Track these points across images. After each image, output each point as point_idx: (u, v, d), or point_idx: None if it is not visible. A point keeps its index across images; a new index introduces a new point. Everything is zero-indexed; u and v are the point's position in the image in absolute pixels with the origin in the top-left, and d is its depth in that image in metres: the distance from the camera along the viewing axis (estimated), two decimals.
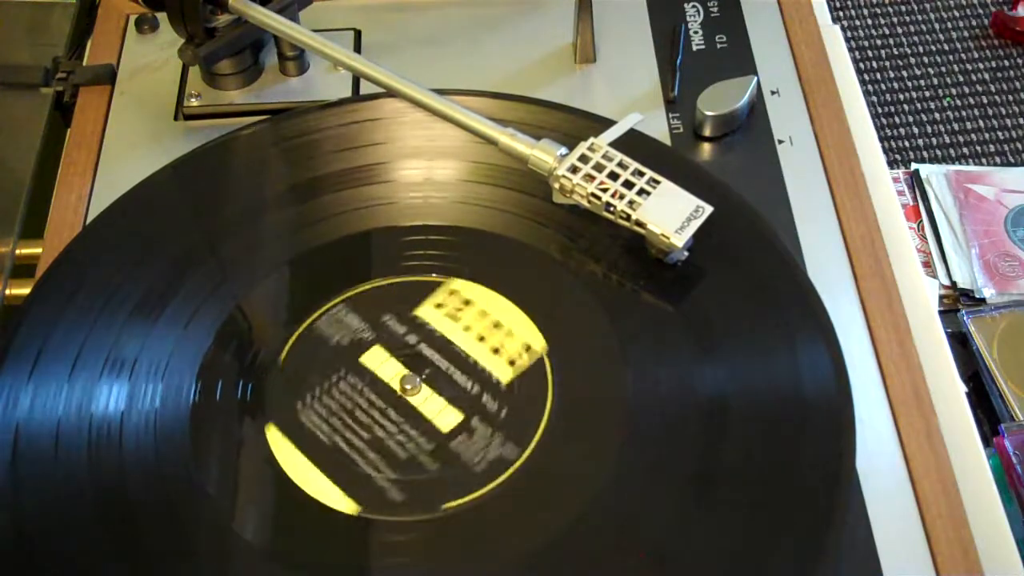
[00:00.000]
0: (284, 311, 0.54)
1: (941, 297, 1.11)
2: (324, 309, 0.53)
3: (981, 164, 1.28)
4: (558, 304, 0.53)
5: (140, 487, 0.48)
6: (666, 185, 0.54)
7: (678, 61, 0.66)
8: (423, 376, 0.51)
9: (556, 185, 0.55)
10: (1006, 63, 1.39)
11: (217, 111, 0.64)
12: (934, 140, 1.31)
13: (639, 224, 0.53)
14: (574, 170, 0.54)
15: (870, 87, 1.37)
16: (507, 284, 0.54)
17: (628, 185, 0.54)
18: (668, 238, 0.52)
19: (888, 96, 1.37)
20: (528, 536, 0.46)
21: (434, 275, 0.54)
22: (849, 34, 1.43)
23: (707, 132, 0.62)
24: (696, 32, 0.68)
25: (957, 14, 1.46)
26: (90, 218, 0.60)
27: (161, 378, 0.51)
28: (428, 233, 0.56)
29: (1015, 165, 1.28)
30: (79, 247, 0.57)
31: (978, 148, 1.31)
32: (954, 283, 1.11)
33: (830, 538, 0.45)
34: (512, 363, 0.51)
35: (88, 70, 0.67)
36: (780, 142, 0.62)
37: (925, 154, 1.30)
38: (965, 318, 1.06)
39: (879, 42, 1.43)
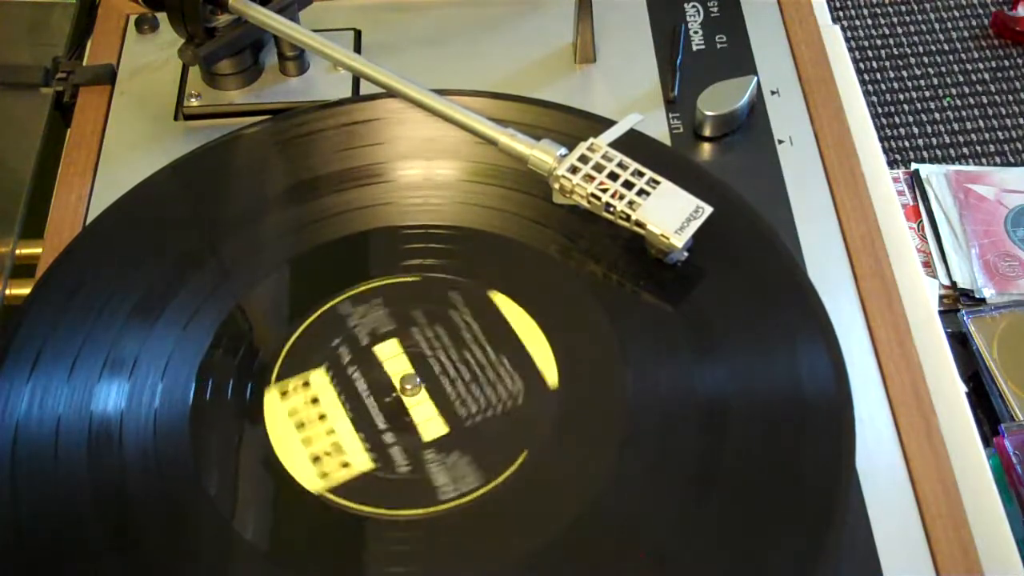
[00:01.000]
0: (284, 311, 0.54)
1: (941, 297, 1.11)
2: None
3: (981, 164, 1.28)
4: (558, 304, 0.53)
5: (140, 487, 0.48)
6: (666, 185, 0.54)
7: (678, 61, 0.66)
8: (425, 380, 0.51)
9: (556, 185, 0.55)
10: (1006, 63, 1.39)
11: (217, 111, 0.64)
12: (934, 140, 1.31)
13: (639, 224, 0.53)
14: (574, 170, 0.54)
15: (870, 87, 1.37)
16: (507, 284, 0.54)
17: (628, 185, 0.54)
18: (668, 238, 0.52)
19: (888, 96, 1.37)
20: (528, 536, 0.46)
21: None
22: (849, 34, 1.43)
23: (707, 132, 0.62)
24: (696, 32, 0.68)
25: (957, 14, 1.46)
26: (90, 218, 0.60)
27: (161, 378, 0.51)
28: (428, 233, 0.56)
29: (1015, 165, 1.28)
30: (79, 247, 0.57)
31: (978, 148, 1.31)
32: (954, 283, 1.11)
33: (830, 538, 0.45)
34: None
35: (88, 70, 0.67)
36: (780, 142, 0.62)
37: (925, 154, 1.30)
38: (965, 318, 1.06)
39: (879, 42, 1.43)
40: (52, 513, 0.47)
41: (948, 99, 1.36)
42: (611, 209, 0.53)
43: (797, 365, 0.50)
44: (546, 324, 0.52)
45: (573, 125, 0.59)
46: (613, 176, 0.54)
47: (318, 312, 0.53)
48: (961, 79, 1.38)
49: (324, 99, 0.63)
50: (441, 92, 0.59)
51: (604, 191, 0.54)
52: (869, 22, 1.46)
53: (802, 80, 0.65)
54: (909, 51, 1.42)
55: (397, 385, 0.51)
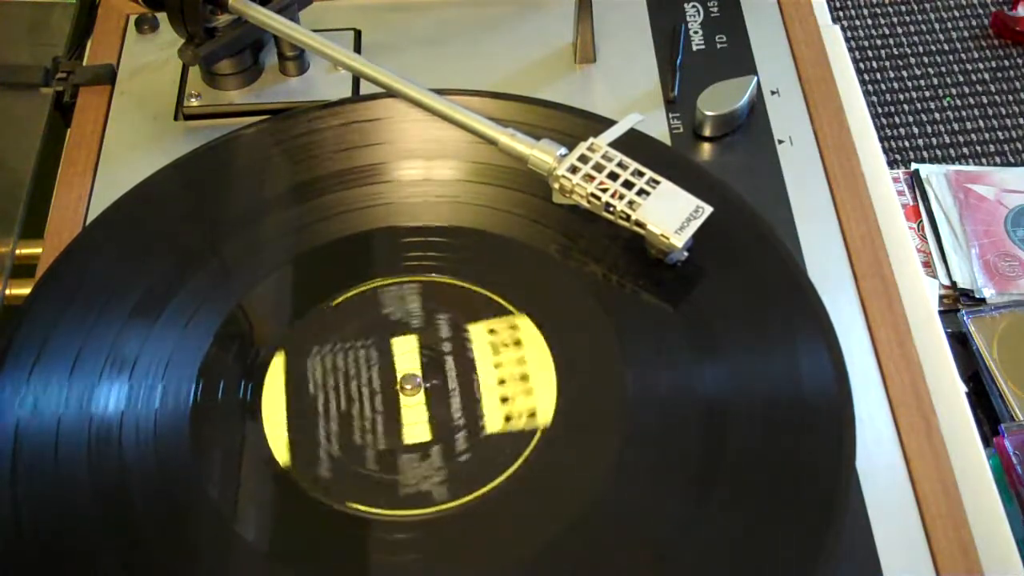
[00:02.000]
0: (284, 311, 0.54)
1: (941, 297, 1.11)
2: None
3: (981, 164, 1.28)
4: (558, 304, 0.53)
5: (140, 487, 0.48)
6: (666, 185, 0.54)
7: (678, 61, 0.66)
8: (426, 384, 0.51)
9: (556, 185, 0.55)
10: (1006, 63, 1.39)
11: (217, 111, 0.64)
12: (934, 140, 1.31)
13: (639, 224, 0.53)
14: (574, 170, 0.54)
15: (870, 87, 1.37)
16: (507, 284, 0.54)
17: (628, 185, 0.54)
18: (668, 238, 0.52)
19: (888, 96, 1.37)
20: (528, 536, 0.46)
21: (506, 303, 0.53)
22: (849, 34, 1.43)
23: (707, 132, 0.62)
24: (696, 32, 0.68)
25: (957, 14, 1.46)
26: (90, 218, 0.60)
27: (161, 378, 0.51)
28: (428, 233, 0.56)
29: (1015, 165, 1.28)
30: (79, 247, 0.57)
31: (978, 148, 1.31)
32: (954, 283, 1.11)
33: (830, 538, 0.45)
34: (509, 418, 0.50)
35: (88, 70, 0.67)
36: (780, 142, 0.62)
37: (925, 154, 1.30)
38: (965, 318, 1.06)
39: (879, 42, 1.43)
40: (52, 513, 0.47)
41: (948, 99, 1.36)
42: (611, 209, 0.53)
43: (797, 365, 0.50)
44: (546, 325, 0.52)
45: (573, 125, 0.59)
46: (613, 176, 0.54)
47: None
48: (961, 79, 1.38)
49: (324, 99, 0.63)
50: (441, 92, 0.59)
51: (604, 191, 0.54)
52: (869, 22, 1.46)
53: (802, 80, 0.65)
54: (909, 51, 1.42)
55: (398, 378, 0.51)
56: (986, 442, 0.77)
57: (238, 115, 0.64)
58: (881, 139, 1.04)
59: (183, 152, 0.61)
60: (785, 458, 0.48)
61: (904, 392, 0.52)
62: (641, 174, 0.54)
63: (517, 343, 0.52)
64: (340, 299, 0.54)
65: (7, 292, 0.60)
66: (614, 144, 0.55)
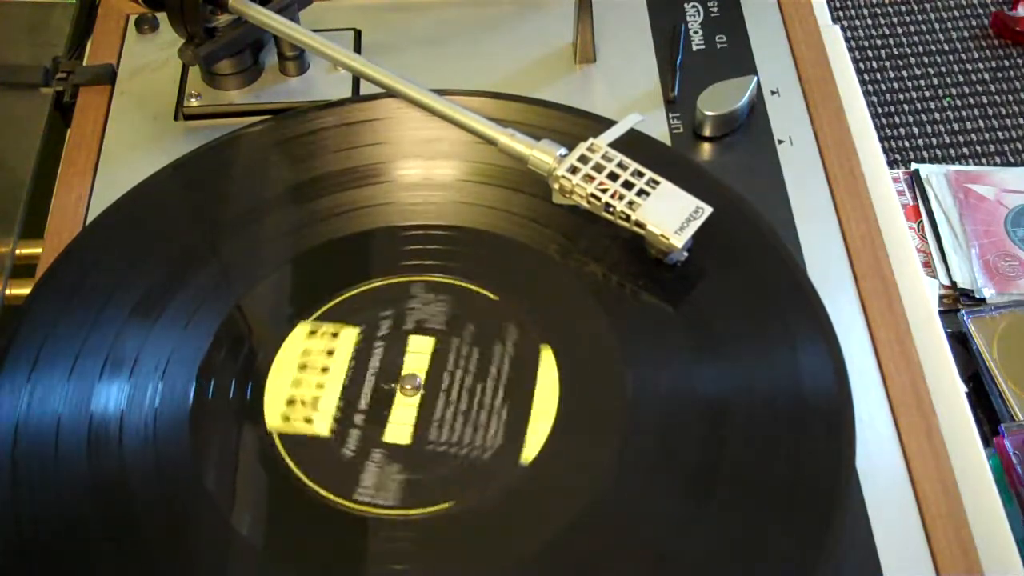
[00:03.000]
0: (284, 311, 0.54)
1: (941, 297, 1.11)
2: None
3: (981, 164, 1.28)
4: (558, 305, 0.53)
5: (140, 487, 0.48)
6: (665, 185, 0.54)
7: (678, 61, 0.66)
8: (425, 388, 0.51)
9: (556, 185, 0.55)
10: (1006, 63, 1.39)
11: (217, 111, 0.64)
12: (934, 140, 1.31)
13: (639, 225, 0.53)
14: (574, 170, 0.54)
15: (870, 87, 1.37)
16: (507, 284, 0.54)
17: (628, 185, 0.54)
18: (668, 239, 0.52)
19: (888, 96, 1.37)
20: (528, 536, 0.46)
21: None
22: (849, 34, 1.43)
23: (707, 132, 0.62)
24: (696, 32, 0.68)
25: (957, 14, 1.46)
26: (90, 218, 0.60)
27: (161, 378, 0.51)
28: (428, 233, 0.56)
29: (1015, 165, 1.28)
30: (79, 247, 0.57)
31: (978, 148, 1.31)
32: (954, 283, 1.11)
33: (830, 538, 0.45)
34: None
35: (88, 70, 0.67)
36: (780, 142, 0.62)
37: (925, 154, 1.30)
38: (965, 318, 1.06)
39: (879, 42, 1.43)
40: (52, 513, 0.47)
41: (948, 99, 1.36)
42: (611, 209, 0.53)
43: (797, 365, 0.50)
44: (546, 325, 0.52)
45: (573, 125, 0.59)
46: (613, 176, 0.54)
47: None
48: (961, 79, 1.38)
49: (324, 99, 0.63)
50: (441, 92, 0.59)
51: (604, 191, 0.54)
52: (869, 22, 1.46)
53: (802, 80, 0.65)
54: (909, 51, 1.42)
55: (398, 375, 0.51)
56: (986, 442, 0.77)
57: (238, 115, 0.64)
58: (881, 139, 1.04)
59: (183, 152, 0.61)
60: (785, 458, 0.48)
61: (904, 392, 0.52)
62: (641, 174, 0.54)
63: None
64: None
65: (7, 292, 0.60)
66: (614, 144, 0.55)
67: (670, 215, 0.53)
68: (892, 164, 1.27)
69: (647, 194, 0.53)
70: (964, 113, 1.34)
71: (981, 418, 1.01)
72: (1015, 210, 1.17)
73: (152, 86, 0.67)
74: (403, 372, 0.51)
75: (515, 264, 0.55)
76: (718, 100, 0.62)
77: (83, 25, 0.71)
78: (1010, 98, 1.35)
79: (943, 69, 1.39)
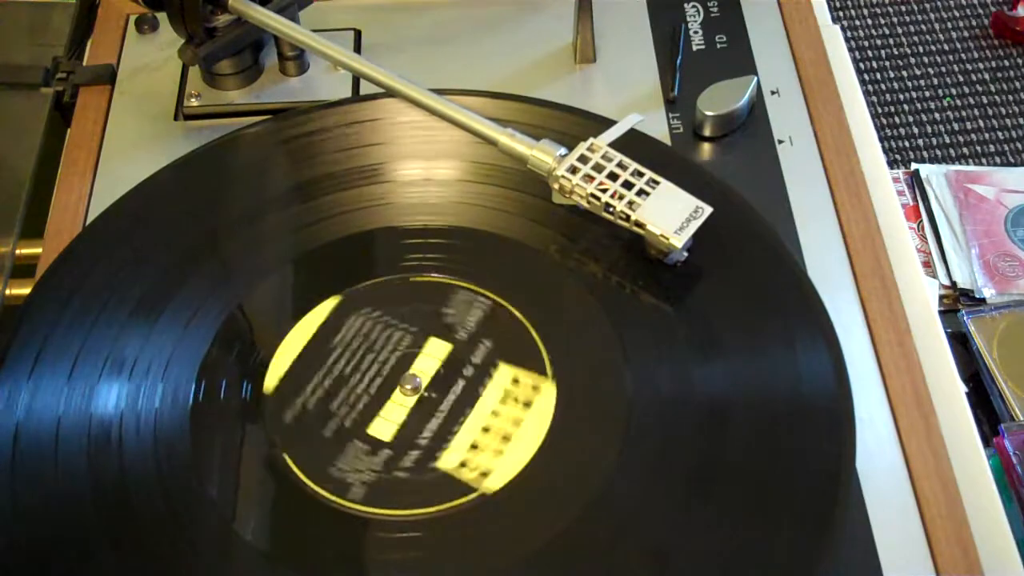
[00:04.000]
0: (284, 311, 0.54)
1: (941, 297, 1.11)
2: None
3: (981, 164, 1.28)
4: (558, 304, 0.53)
5: (140, 487, 0.48)
6: (665, 185, 0.54)
7: (678, 61, 0.66)
8: (424, 391, 0.51)
9: (555, 185, 0.55)
10: (1006, 63, 1.39)
11: (217, 111, 0.64)
12: (934, 140, 1.31)
13: (638, 224, 0.53)
14: (573, 170, 0.54)
15: (870, 87, 1.37)
16: (507, 284, 0.54)
17: (627, 185, 0.54)
18: (667, 239, 0.52)
19: (888, 96, 1.37)
20: (528, 536, 0.46)
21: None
22: (849, 34, 1.43)
23: (707, 132, 0.62)
24: (696, 32, 0.68)
25: (957, 14, 1.46)
26: (90, 218, 0.60)
27: (161, 378, 0.51)
28: (428, 233, 0.56)
29: (1015, 165, 1.28)
30: (79, 247, 0.57)
31: (978, 148, 1.30)
32: (954, 283, 1.11)
33: (830, 538, 0.45)
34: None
35: (88, 70, 0.67)
36: (780, 142, 0.62)
37: (925, 154, 1.30)
38: (965, 318, 1.06)
39: (879, 42, 1.43)
40: (52, 513, 0.47)
41: (948, 99, 1.36)
42: (611, 209, 0.53)
43: (797, 365, 0.50)
44: (545, 325, 0.52)
45: (573, 125, 0.59)
46: (613, 176, 0.54)
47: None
48: (961, 79, 1.38)
49: (324, 99, 0.63)
50: (441, 92, 0.59)
51: (604, 191, 0.54)
52: (869, 22, 1.46)
53: (802, 80, 0.65)
54: (909, 51, 1.42)
55: (400, 374, 0.51)
56: (986, 442, 0.77)
57: (238, 115, 0.64)
58: (881, 139, 1.04)
59: (183, 152, 0.61)
60: (785, 458, 0.48)
61: (904, 392, 0.52)
62: (641, 174, 0.54)
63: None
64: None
65: (7, 292, 0.60)
66: (614, 144, 0.55)
67: (670, 215, 0.53)
68: (892, 164, 1.27)
69: (647, 194, 0.53)
70: (964, 113, 1.34)
71: (981, 418, 1.01)
72: (1015, 210, 1.17)
73: (152, 86, 0.67)
74: (403, 372, 0.51)
75: (515, 264, 0.55)
76: (718, 100, 0.62)
77: (83, 25, 0.71)
78: (1010, 98, 1.35)
79: (943, 69, 1.39)
